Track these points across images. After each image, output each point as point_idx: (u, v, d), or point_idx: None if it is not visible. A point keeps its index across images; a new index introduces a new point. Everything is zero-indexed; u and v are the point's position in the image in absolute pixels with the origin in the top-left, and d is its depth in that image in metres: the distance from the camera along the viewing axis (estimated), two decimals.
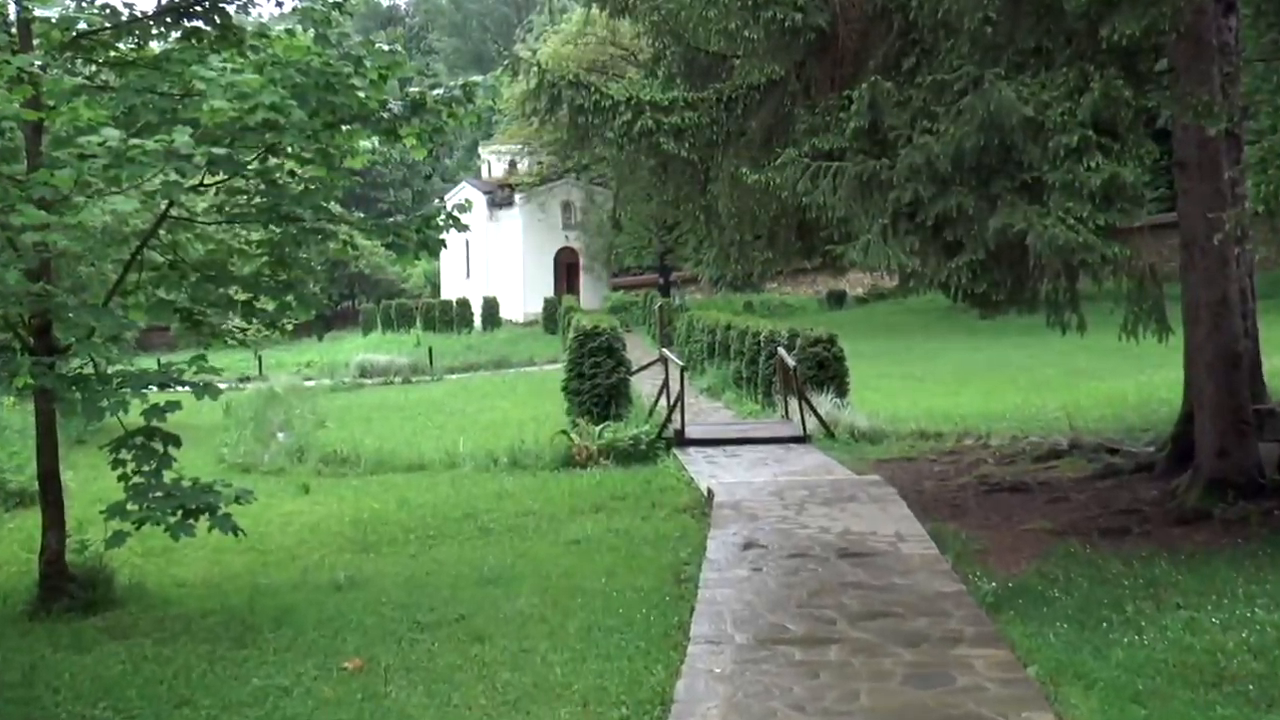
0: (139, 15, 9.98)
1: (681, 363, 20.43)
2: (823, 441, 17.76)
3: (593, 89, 13.82)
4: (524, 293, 61.78)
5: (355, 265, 66.44)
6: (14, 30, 9.26)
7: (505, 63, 14.83)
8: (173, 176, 8.02)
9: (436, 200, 65.63)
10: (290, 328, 11.07)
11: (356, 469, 18.42)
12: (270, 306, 10.13)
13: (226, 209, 10.31)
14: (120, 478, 9.00)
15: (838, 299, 52.78)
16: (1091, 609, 8.19)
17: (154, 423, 8.88)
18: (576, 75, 14.70)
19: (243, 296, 10.14)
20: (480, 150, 71.60)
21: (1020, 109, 9.81)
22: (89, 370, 8.57)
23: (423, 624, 8.81)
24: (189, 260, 10.14)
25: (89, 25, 9.47)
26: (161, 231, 9.93)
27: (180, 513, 8.81)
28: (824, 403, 19.00)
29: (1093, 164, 9.64)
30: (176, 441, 9.07)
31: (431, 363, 42.19)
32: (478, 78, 10.41)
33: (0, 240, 8.09)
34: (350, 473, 18.22)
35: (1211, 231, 10.33)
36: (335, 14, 9.60)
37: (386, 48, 9.59)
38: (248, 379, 37.25)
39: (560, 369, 24.92)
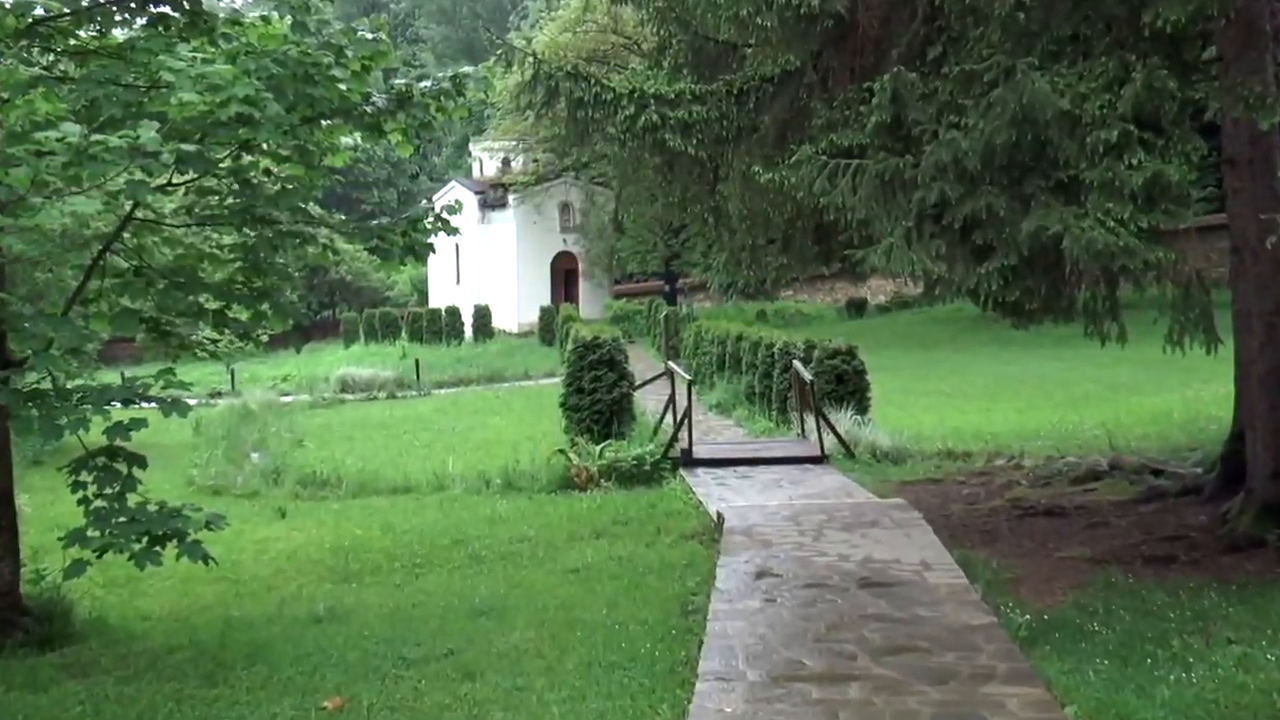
0: (101, 0, 9.98)
1: (689, 376, 20.42)
2: (842, 462, 17.72)
3: (593, 81, 13.85)
4: (518, 301, 61.81)
5: (336, 271, 66.63)
6: None
7: (498, 52, 14.87)
8: (138, 175, 8.01)
9: (424, 201, 65.73)
10: (265, 339, 11.05)
11: (337, 492, 18.42)
12: (244, 316, 10.12)
13: (196, 210, 10.31)
14: (80, 501, 8.97)
15: (858, 308, 52.78)
16: (1135, 644, 8.15)
17: (117, 442, 8.85)
18: (575, 66, 14.75)
19: (214, 305, 10.12)
20: (471, 147, 71.65)
21: (1055, 102, 9.80)
22: (46, 385, 8.55)
23: (409, 660, 8.78)
24: (156, 266, 10.12)
25: (46, 11, 9.48)
26: (126, 235, 9.93)
27: (145, 539, 8.78)
28: (843, 420, 18.97)
29: (1134, 161, 9.63)
30: (142, 462, 9.05)
31: (418, 377, 42.18)
32: (468, 69, 10.42)
33: None
34: (330, 496, 18.22)
35: (1264, 234, 10.28)
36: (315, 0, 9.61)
37: (370, 36, 9.59)
38: (219, 394, 37.25)
39: (558, 383, 24.91)
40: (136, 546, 8.72)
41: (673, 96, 13.50)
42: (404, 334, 58.07)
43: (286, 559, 13.38)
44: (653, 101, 13.40)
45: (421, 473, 18.92)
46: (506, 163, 65.00)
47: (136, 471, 9.01)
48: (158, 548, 8.86)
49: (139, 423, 8.76)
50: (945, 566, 10.65)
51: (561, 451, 18.25)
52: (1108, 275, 10.51)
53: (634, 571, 11.46)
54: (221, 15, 10.38)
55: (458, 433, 26.21)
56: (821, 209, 11.56)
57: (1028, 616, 8.97)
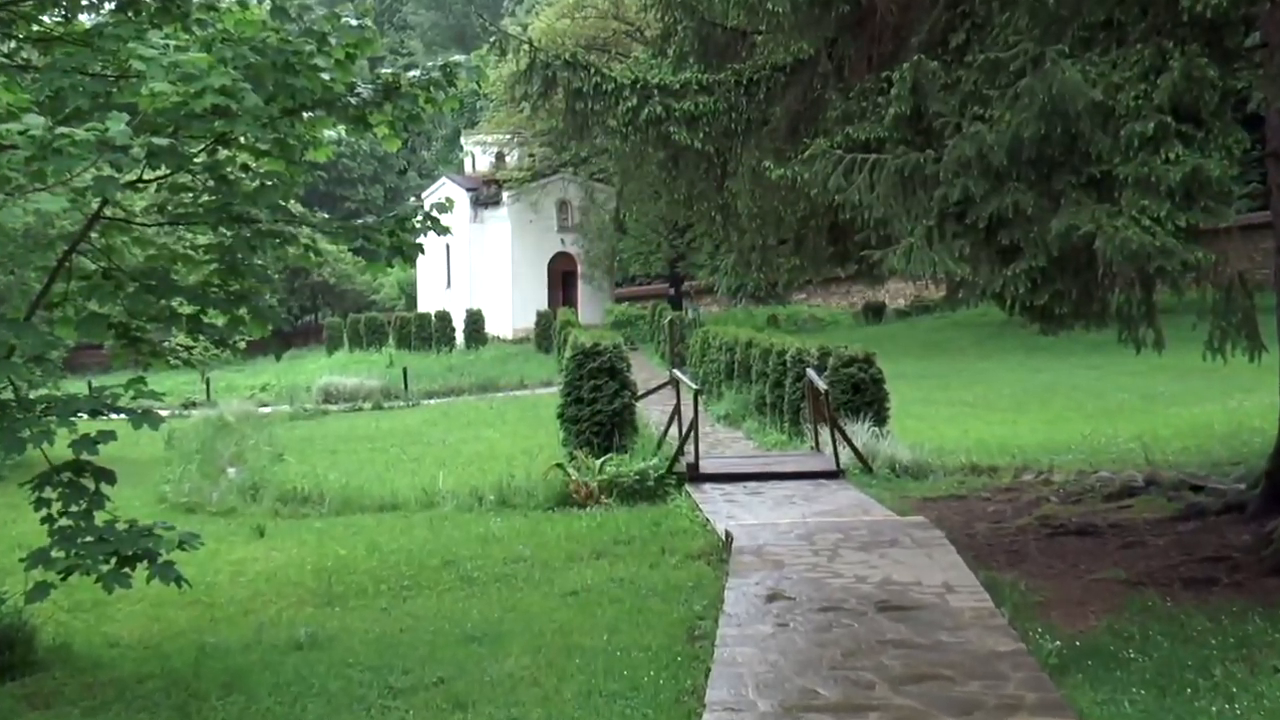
0: None
1: (695, 386, 20.40)
2: (859, 477, 17.71)
3: (593, 70, 13.85)
4: (513, 305, 61.86)
5: (318, 274, 66.70)
6: None
7: (492, 39, 14.88)
8: (107, 171, 8.00)
9: (412, 199, 65.73)
10: (243, 346, 11.04)
11: (320, 509, 18.41)
12: (220, 321, 10.11)
13: (169, 209, 10.30)
14: (44, 520, 8.96)
15: (875, 312, 52.82)
16: (1173, 672, 8.12)
17: (84, 456, 8.83)
18: (574, 54, 14.73)
19: (188, 310, 10.11)
20: (463, 141, 71.83)
21: (1087, 92, 9.79)
22: (8, 395, 8.55)
23: (396, 689, 8.75)
24: (125, 268, 10.12)
25: None
26: (93, 234, 9.92)
27: (114, 560, 8.77)
28: (860, 432, 18.95)
29: (1172, 155, 9.61)
30: (110, 478, 9.04)
31: (406, 386, 42.21)
32: (459, 57, 10.41)
33: None
34: (312, 513, 18.21)
35: None
36: None
37: (354, 23, 9.59)
38: (193, 405, 37.29)
39: (555, 393, 24.90)
40: (104, 568, 8.71)
41: (678, 87, 13.51)
42: (391, 340, 58.15)
43: (265, 581, 13.36)
44: (656, 92, 13.40)
45: (410, 489, 18.91)
46: (500, 158, 65.08)
47: (104, 487, 9.00)
48: (127, 569, 8.84)
49: (107, 435, 8.75)
50: (969, 589, 10.62)
51: (559, 466, 18.24)
52: (1143, 277, 10.49)
53: (636, 594, 11.43)
54: (196, 0, 10.37)
55: (448, 446, 26.21)
56: (837, 207, 11.55)
57: (1058, 642, 8.94)
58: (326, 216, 12.19)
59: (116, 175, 8.19)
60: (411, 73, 9.99)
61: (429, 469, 21.23)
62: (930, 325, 47.02)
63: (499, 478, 18.35)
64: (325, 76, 9.18)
